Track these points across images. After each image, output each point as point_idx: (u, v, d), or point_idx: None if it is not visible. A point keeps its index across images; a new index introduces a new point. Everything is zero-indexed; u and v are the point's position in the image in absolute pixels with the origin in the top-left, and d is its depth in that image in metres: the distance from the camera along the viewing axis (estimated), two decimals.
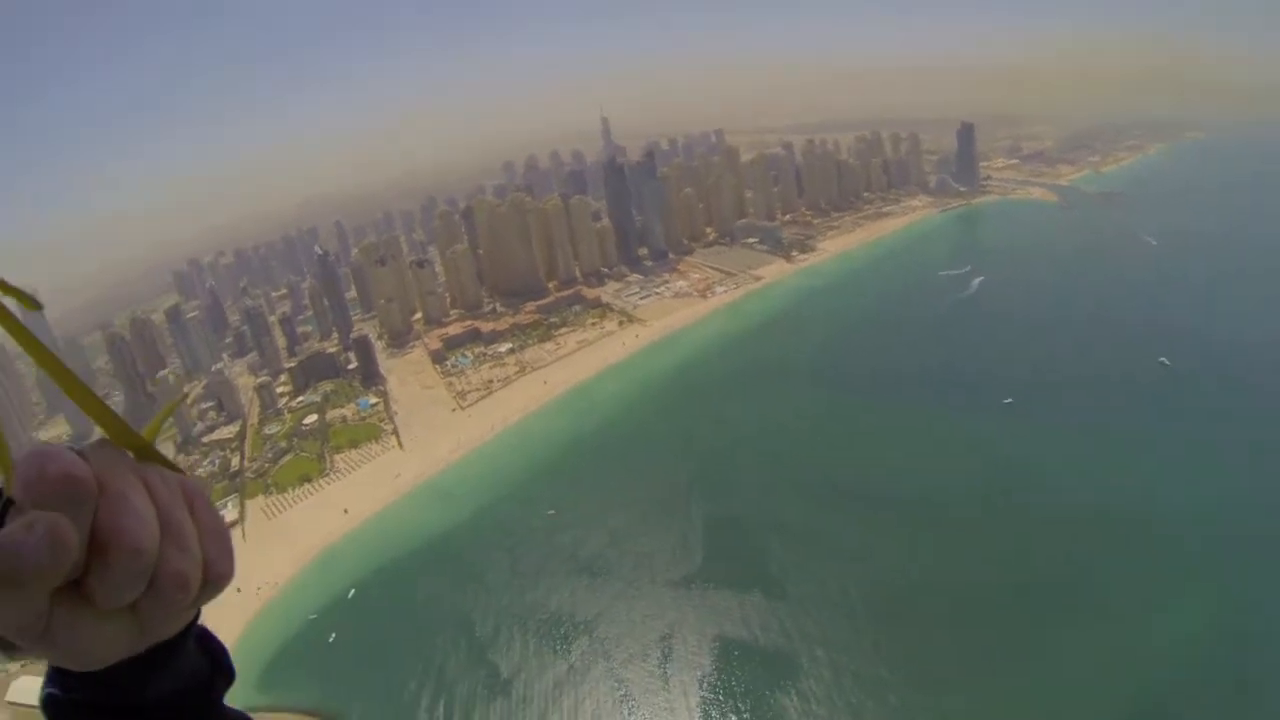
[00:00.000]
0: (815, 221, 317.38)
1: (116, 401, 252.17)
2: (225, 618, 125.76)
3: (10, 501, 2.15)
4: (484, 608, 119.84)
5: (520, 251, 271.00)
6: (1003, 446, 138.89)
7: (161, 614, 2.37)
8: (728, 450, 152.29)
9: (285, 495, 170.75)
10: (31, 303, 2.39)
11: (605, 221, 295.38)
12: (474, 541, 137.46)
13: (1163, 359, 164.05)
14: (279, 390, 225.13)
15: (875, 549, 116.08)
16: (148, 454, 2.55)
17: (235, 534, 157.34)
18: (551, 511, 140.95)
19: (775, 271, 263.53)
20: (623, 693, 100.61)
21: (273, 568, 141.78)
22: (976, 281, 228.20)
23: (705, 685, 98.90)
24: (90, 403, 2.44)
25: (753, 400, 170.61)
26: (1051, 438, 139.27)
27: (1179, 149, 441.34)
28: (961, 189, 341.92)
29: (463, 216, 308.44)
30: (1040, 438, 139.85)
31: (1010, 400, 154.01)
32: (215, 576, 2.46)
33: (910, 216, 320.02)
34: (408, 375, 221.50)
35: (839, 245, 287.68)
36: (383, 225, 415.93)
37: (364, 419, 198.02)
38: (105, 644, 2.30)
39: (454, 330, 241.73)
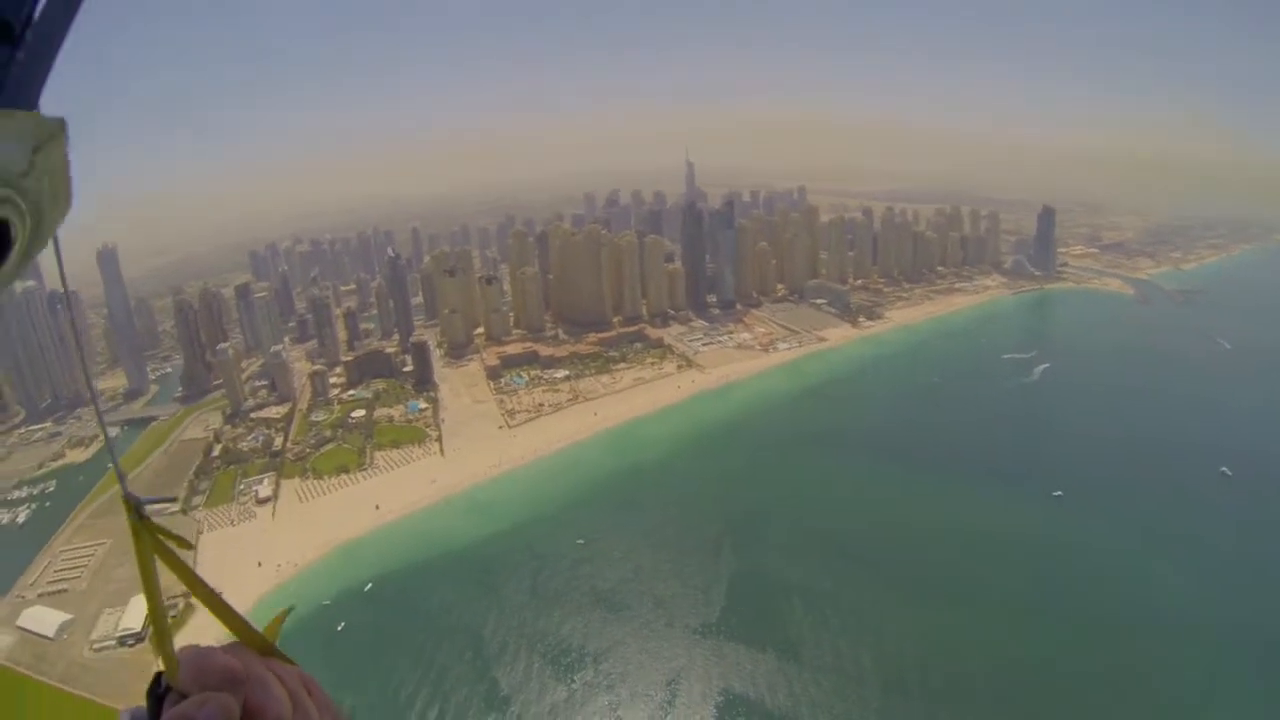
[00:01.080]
0: (886, 290, 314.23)
1: (176, 364, 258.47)
2: (241, 587, 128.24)
3: (168, 689, 2.92)
4: (496, 623, 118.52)
5: (589, 282, 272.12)
6: (1045, 539, 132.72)
7: None
8: (766, 507, 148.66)
9: (321, 482, 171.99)
10: (186, 544, 3.12)
11: (678, 264, 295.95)
12: (498, 558, 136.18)
13: (1224, 469, 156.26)
14: (332, 381, 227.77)
15: (898, 626, 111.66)
16: (270, 651, 3.34)
17: (265, 511, 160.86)
18: (581, 541, 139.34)
19: (840, 335, 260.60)
20: None
21: (297, 549, 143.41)
22: (1040, 369, 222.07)
23: None
24: (231, 618, 3.24)
25: (798, 461, 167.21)
26: (1097, 536, 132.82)
27: (1267, 250, 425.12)
28: (1037, 273, 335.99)
29: (537, 240, 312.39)
30: (1085, 534, 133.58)
31: (1060, 493, 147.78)
32: None
33: (981, 295, 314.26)
34: (461, 386, 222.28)
35: (906, 316, 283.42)
36: (458, 237, 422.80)
37: (410, 422, 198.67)
38: None
39: (513, 349, 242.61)
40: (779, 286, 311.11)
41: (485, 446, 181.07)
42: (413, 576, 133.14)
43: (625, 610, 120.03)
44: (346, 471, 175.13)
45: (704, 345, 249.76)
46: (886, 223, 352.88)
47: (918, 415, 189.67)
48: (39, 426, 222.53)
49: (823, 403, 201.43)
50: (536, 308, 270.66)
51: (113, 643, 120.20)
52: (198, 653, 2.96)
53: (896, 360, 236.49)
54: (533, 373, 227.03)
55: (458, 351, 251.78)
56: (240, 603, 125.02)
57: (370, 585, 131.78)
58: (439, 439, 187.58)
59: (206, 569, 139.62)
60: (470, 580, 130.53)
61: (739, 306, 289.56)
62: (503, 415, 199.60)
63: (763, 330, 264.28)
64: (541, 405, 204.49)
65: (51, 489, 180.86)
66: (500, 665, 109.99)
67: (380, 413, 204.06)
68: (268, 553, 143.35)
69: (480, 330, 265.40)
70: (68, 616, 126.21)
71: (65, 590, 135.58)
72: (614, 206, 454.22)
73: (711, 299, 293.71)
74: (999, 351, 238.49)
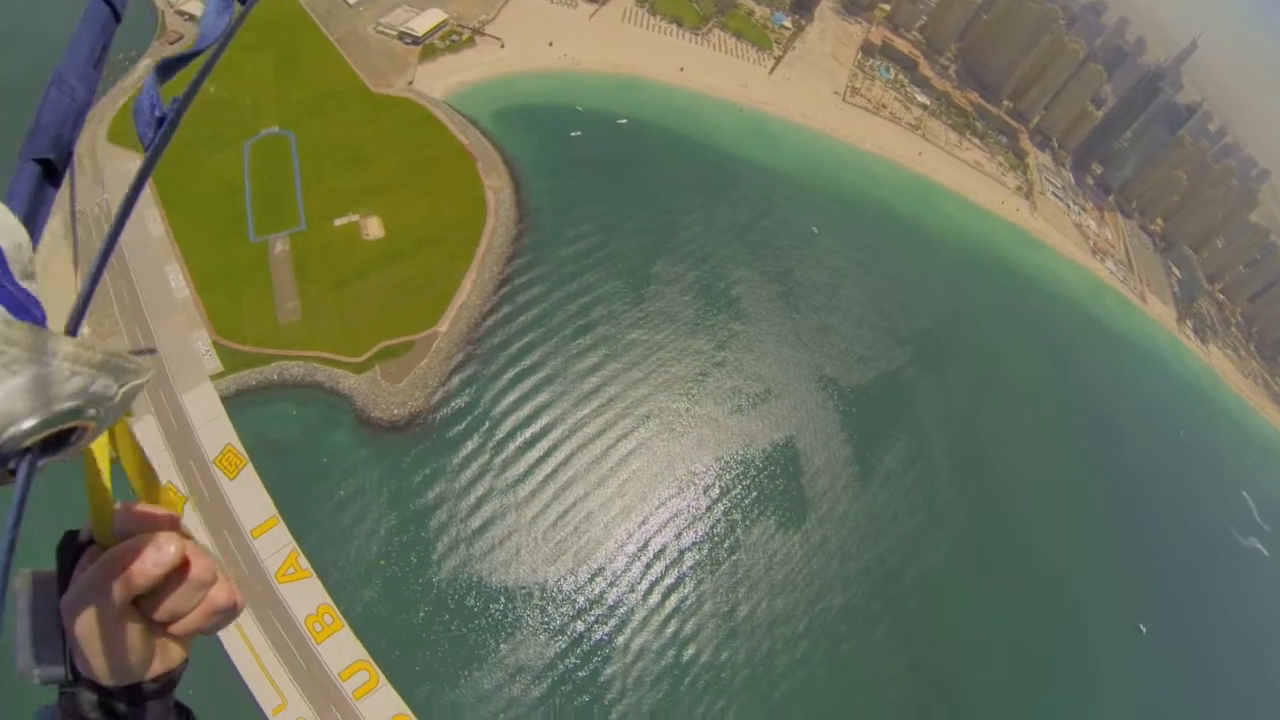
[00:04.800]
0: (1232, 327, 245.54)
1: None
2: (522, 52, 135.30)
3: (87, 544, 2.72)
4: (694, 226, 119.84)
5: (1011, 55, 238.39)
6: (1099, 655, 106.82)
7: (196, 633, 2.93)
8: (967, 348, 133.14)
9: (651, 18, 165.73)
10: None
11: (1099, 113, 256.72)
12: (738, 184, 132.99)
13: None
14: None
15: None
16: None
17: (586, 9, 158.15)
18: (815, 230, 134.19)
19: (1158, 310, 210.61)
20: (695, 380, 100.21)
21: (588, 54, 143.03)
22: (1259, 544, 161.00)
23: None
24: (156, 486, 2.94)
25: (1027, 351, 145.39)
26: (1139, 689, 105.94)
27: None
28: None
29: None
30: (1136, 676, 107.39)
31: (1145, 630, 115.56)
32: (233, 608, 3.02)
33: None
34: (831, 37, 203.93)
35: (1222, 366, 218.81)
36: None
37: (765, 29, 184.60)
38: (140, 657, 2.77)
39: (901, 46, 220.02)
40: (1159, 221, 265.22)
41: (810, 96, 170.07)
42: (666, 142, 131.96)
43: (788, 307, 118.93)
44: (678, 25, 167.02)
45: (1052, 193, 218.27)
46: None
47: (1131, 438, 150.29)
48: None
49: (1094, 339, 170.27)
50: (949, 32, 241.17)
51: (393, 33, 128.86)
52: (137, 506, 2.79)
53: (1180, 378, 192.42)
54: (901, 78, 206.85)
55: (852, 8, 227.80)
56: (510, 63, 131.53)
57: (625, 121, 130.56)
58: (777, 59, 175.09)
59: (509, 20, 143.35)
60: (707, 181, 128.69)
61: (1111, 199, 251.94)
62: (846, 87, 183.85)
63: (1109, 236, 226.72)
64: (884, 107, 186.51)
65: None
66: (665, 256, 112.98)
67: (745, 3, 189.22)
68: (564, 41, 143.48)
69: (886, 7, 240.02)
70: None
71: None
72: (1092, 14, 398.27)
73: (1097, 169, 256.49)
74: (1248, 486, 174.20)
